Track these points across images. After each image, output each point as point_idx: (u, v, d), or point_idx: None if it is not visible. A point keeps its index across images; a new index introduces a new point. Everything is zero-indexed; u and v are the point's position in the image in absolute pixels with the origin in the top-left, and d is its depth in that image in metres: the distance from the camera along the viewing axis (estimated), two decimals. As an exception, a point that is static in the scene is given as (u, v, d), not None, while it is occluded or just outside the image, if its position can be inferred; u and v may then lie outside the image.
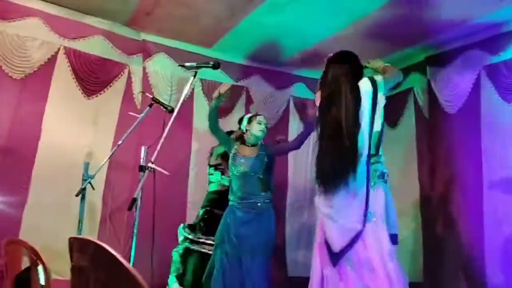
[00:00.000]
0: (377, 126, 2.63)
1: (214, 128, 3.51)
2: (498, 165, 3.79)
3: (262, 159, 3.47)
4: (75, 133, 4.05)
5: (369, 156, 2.52)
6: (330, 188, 2.53)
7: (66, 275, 3.44)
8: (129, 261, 2.58)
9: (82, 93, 4.15)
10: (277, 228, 4.91)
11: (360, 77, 2.71)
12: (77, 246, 0.91)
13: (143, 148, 2.48)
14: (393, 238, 2.55)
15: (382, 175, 2.63)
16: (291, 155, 5.24)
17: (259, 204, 3.39)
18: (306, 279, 4.39)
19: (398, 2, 3.68)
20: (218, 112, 3.56)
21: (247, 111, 5.04)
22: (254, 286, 3.16)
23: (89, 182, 2.80)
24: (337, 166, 2.56)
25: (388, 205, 2.59)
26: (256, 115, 3.67)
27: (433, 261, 4.17)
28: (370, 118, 2.58)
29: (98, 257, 0.83)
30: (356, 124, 2.57)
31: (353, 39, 4.32)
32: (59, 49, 4.06)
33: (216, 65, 2.50)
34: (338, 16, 3.98)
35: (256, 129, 3.57)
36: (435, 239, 4.18)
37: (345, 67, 2.78)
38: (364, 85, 2.65)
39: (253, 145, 3.58)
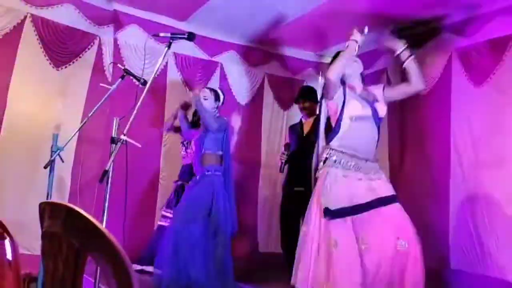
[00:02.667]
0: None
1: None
2: (466, 146, 3.89)
3: (205, 134, 3.50)
4: (43, 105, 3.93)
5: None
6: None
7: (34, 250, 3.39)
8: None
9: (50, 63, 4.00)
10: (248, 205, 4.98)
11: None
12: (49, 211, 0.88)
13: (115, 120, 2.41)
14: (324, 212, 2.71)
15: (324, 161, 2.88)
16: (264, 134, 5.24)
17: (198, 177, 3.48)
18: (277, 255, 4.45)
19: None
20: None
21: (222, 88, 4.99)
22: (189, 252, 3.21)
23: (58, 154, 2.72)
24: None
25: (325, 184, 2.80)
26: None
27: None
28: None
29: (71, 222, 0.81)
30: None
31: (327, 17, 4.31)
32: (25, 17, 3.89)
33: (191, 36, 2.45)
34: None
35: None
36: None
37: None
38: None
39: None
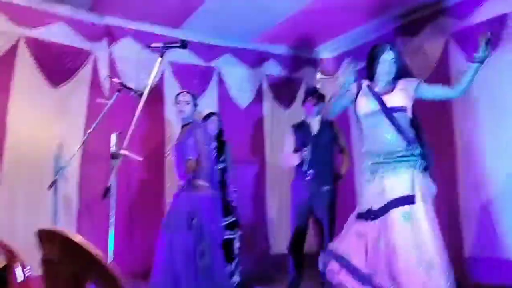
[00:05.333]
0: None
1: None
2: (470, 130, 3.85)
3: (186, 141, 3.30)
4: (43, 125, 3.92)
5: None
6: None
7: (45, 270, 3.39)
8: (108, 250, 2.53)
9: (47, 83, 3.99)
10: (257, 207, 4.96)
11: None
12: (45, 237, 0.87)
13: (113, 135, 2.40)
14: None
15: None
16: (267, 134, 5.21)
17: (184, 185, 3.35)
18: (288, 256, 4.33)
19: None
20: None
21: (220, 93, 4.97)
22: (174, 261, 3.14)
23: (61, 173, 2.71)
24: None
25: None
26: (178, 93, 3.47)
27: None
28: None
29: (67, 249, 0.79)
30: None
31: (322, 13, 4.29)
32: (19, 39, 3.88)
33: (184, 44, 2.43)
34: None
35: (177, 111, 3.42)
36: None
37: None
38: None
39: (186, 125, 3.40)
